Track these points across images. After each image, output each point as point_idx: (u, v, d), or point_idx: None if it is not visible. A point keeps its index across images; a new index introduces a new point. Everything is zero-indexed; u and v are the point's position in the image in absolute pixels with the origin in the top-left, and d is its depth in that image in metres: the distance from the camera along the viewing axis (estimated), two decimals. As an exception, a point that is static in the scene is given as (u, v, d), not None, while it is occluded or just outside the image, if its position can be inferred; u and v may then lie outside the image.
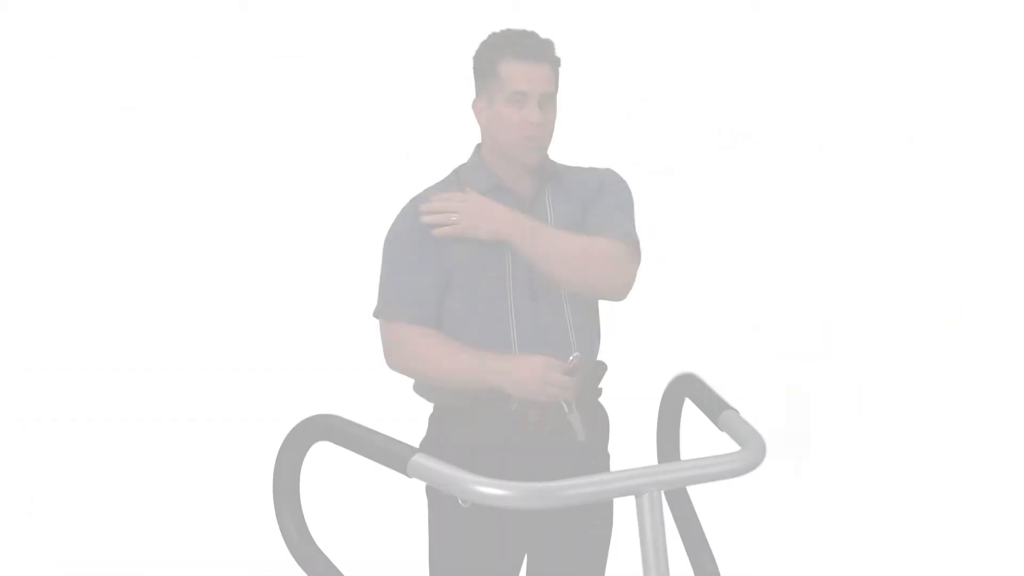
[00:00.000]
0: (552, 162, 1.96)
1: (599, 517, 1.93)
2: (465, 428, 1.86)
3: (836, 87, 3.90)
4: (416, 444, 1.51)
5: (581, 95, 3.72)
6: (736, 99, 3.91)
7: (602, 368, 1.88)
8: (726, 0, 3.93)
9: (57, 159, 3.82)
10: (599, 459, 1.96)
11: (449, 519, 1.90)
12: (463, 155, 2.00)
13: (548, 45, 1.86)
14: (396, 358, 1.86)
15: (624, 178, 1.97)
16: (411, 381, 1.98)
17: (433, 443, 1.86)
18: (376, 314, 1.89)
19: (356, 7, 3.88)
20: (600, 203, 1.90)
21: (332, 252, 3.82)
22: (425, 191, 1.94)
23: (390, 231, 1.90)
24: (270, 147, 3.87)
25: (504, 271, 1.84)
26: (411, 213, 1.89)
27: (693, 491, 1.98)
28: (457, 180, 1.92)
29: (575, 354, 1.78)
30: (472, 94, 1.93)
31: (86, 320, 3.77)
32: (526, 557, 2.00)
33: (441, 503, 1.92)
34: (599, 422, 1.99)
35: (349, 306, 3.81)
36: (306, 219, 3.87)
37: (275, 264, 3.83)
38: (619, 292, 1.85)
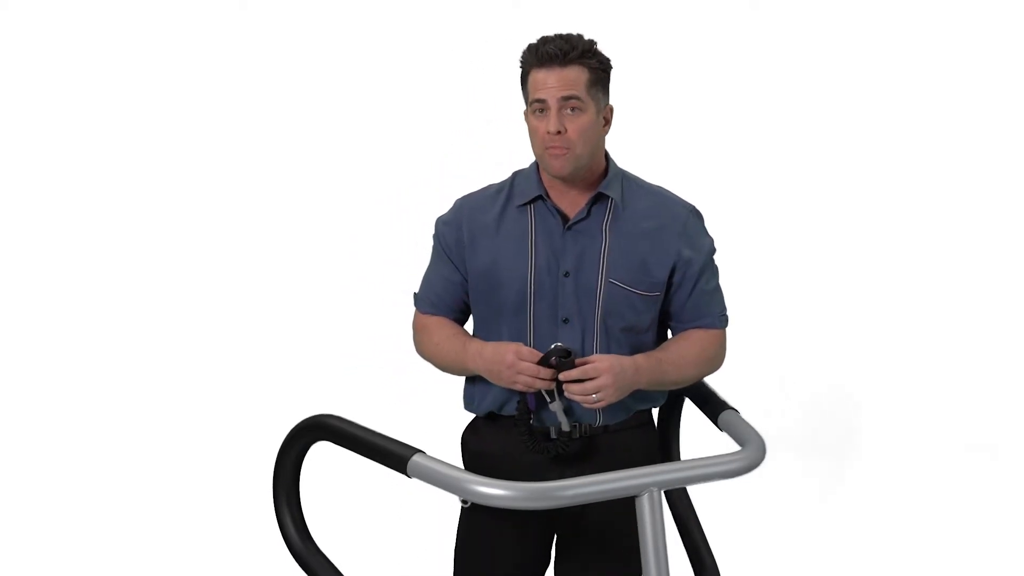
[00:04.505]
0: (613, 178, 1.83)
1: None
2: (487, 439, 1.88)
3: (836, 87, 3.90)
4: (415, 444, 1.50)
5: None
6: (736, 99, 3.91)
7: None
8: (726, 0, 3.93)
9: (57, 159, 3.82)
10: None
11: (475, 518, 1.91)
12: (482, 155, 1.97)
13: (571, 46, 1.73)
14: (417, 345, 1.95)
15: (704, 217, 1.91)
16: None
17: (463, 451, 1.95)
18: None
19: (356, 7, 3.88)
20: (695, 273, 1.84)
21: (333, 252, 3.82)
22: (481, 189, 1.91)
23: (437, 221, 1.93)
24: (270, 147, 3.87)
25: (525, 291, 1.79)
26: (456, 210, 1.90)
27: (693, 491, 1.98)
28: (512, 184, 1.87)
29: (556, 344, 1.71)
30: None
31: (86, 320, 3.76)
32: (554, 556, 1.99)
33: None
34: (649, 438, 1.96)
35: (350, 306, 3.82)
36: (306, 219, 3.86)
37: (275, 264, 3.82)
38: (718, 369, 1.93)
